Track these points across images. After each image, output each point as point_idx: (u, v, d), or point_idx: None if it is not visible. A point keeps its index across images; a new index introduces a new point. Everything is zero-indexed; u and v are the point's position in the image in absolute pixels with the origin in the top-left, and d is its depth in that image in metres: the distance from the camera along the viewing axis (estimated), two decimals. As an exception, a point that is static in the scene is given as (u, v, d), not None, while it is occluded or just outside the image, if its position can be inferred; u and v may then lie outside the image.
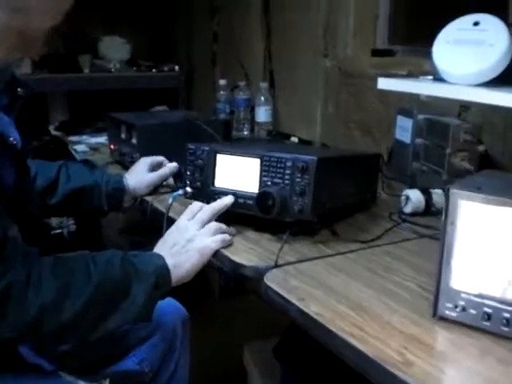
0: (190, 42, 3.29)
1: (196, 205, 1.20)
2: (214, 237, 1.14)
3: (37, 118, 2.84)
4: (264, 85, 2.49)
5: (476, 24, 1.14)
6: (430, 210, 1.36)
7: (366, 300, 0.92)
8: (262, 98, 2.47)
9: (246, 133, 2.55)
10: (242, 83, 2.58)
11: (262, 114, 2.47)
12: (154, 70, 3.17)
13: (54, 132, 2.68)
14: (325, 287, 0.96)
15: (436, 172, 1.49)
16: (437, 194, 1.37)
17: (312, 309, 0.88)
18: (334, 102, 2.21)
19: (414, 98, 1.71)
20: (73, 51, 3.11)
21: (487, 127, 1.54)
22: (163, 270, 1.06)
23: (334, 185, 1.21)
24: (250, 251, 1.14)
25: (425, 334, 0.82)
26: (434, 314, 0.85)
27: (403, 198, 1.37)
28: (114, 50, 3.21)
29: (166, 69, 3.18)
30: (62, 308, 0.95)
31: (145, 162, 1.54)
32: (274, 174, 1.18)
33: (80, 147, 2.25)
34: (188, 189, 1.30)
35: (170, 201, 1.27)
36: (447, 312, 0.84)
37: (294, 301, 0.91)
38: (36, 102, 2.92)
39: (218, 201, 1.21)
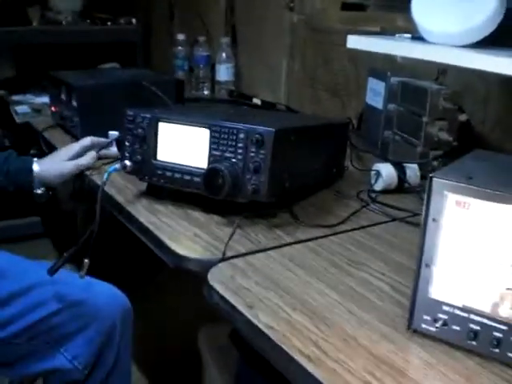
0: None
1: None
2: None
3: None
4: (225, 40, 2.29)
5: (462, -27, 0.97)
6: (402, 186, 1.21)
7: (327, 306, 0.77)
8: (224, 55, 2.28)
9: (205, 92, 2.36)
10: (201, 38, 2.37)
11: (223, 73, 2.28)
12: (109, 23, 2.93)
13: (-5, 91, 2.44)
14: (279, 288, 0.80)
15: (410, 143, 1.33)
16: (411, 169, 1.22)
17: (262, 319, 0.72)
18: (300, 60, 2.03)
19: (387, 57, 1.54)
20: (21, 2, 2.85)
21: (467, 93, 1.39)
22: None
23: (294, 160, 1.05)
24: (194, 239, 0.97)
25: (397, 355, 0.66)
26: (409, 328, 0.70)
27: (373, 173, 1.22)
28: (66, 1, 2.95)
29: (122, 21, 2.94)
30: None
31: (67, 150, 1.34)
32: (224, 148, 1.00)
33: (21, 108, 2.03)
34: (127, 162, 1.12)
35: (105, 177, 1.09)
36: (424, 326, 0.69)
37: (241, 308, 0.74)
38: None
39: None
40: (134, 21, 2.95)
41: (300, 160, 1.07)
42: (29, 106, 2.08)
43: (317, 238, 0.97)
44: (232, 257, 0.90)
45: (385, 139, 1.45)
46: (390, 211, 1.10)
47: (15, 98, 2.23)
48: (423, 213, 0.66)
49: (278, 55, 2.12)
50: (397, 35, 1.12)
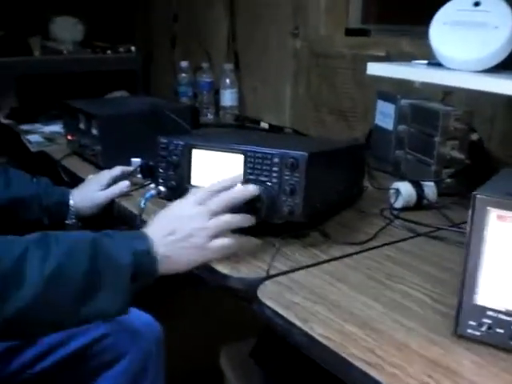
0: (148, 21, 3.11)
1: (211, 188, 0.99)
2: (218, 241, 0.95)
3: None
4: (228, 66, 2.36)
5: (477, 4, 1.05)
6: (421, 203, 1.27)
7: (374, 316, 0.82)
8: (227, 81, 2.35)
9: (210, 117, 2.43)
10: (204, 65, 2.44)
11: (228, 98, 2.35)
12: (109, 52, 3.00)
13: (3, 120, 2.49)
14: (326, 302, 0.86)
15: (423, 162, 1.40)
16: (428, 187, 1.29)
17: (317, 331, 0.78)
18: (304, 85, 2.10)
19: (393, 81, 1.62)
20: (22, 33, 2.91)
21: (474, 113, 1.46)
22: (146, 257, 0.88)
23: (324, 181, 1.11)
24: (234, 258, 1.02)
25: (448, 358, 0.72)
26: (456, 333, 0.76)
27: (393, 191, 1.28)
28: (67, 30, 3.02)
29: (121, 50, 3.02)
30: (6, 300, 0.76)
31: (98, 180, 1.37)
32: (259, 172, 1.06)
33: (34, 137, 2.08)
34: (161, 188, 1.18)
35: (143, 203, 1.14)
36: (470, 331, 0.75)
37: (296, 322, 0.80)
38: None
39: (240, 188, 0.99)
40: (133, 49, 3.03)
41: (328, 181, 1.14)
42: (40, 134, 2.13)
43: (351, 255, 1.03)
44: (275, 275, 0.95)
45: (397, 158, 1.52)
46: (412, 227, 1.16)
47: (24, 127, 2.27)
48: (468, 227, 0.72)
49: (282, 80, 2.20)
50: (413, 62, 1.19)
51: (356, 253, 1.04)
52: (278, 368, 1.58)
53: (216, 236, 0.95)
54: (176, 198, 1.16)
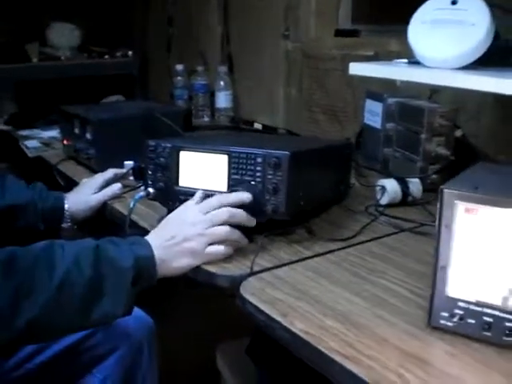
0: (144, 26, 3.15)
1: (217, 201, 1.04)
2: (213, 248, 1.00)
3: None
4: (223, 69, 2.39)
5: (454, 3, 1.07)
6: (406, 200, 1.30)
7: (355, 311, 0.84)
8: (222, 83, 2.38)
9: (206, 119, 2.46)
10: (199, 68, 2.47)
11: (222, 100, 2.38)
12: (106, 57, 3.04)
13: (2, 126, 2.52)
14: (307, 297, 0.88)
15: (410, 159, 1.42)
16: (413, 183, 1.31)
17: (297, 326, 0.80)
18: (296, 86, 2.13)
19: (382, 80, 1.64)
20: (20, 40, 2.95)
21: (460, 109, 1.48)
22: (147, 261, 0.93)
23: (308, 180, 1.13)
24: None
25: (424, 350, 0.74)
26: (429, 324, 0.78)
27: (378, 188, 1.30)
28: (64, 36, 3.05)
29: (118, 54, 3.05)
30: (18, 311, 0.81)
31: (92, 183, 1.40)
32: (243, 171, 1.09)
33: (31, 143, 2.11)
34: (150, 189, 1.20)
35: (132, 204, 1.17)
36: (443, 322, 0.77)
37: (277, 317, 0.82)
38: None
39: (244, 214, 1.04)
40: (130, 53, 3.06)
41: (312, 180, 1.16)
42: (37, 140, 2.16)
43: (334, 251, 1.05)
44: (259, 271, 0.97)
45: (385, 156, 1.54)
46: (397, 223, 1.19)
47: (22, 133, 2.30)
48: (437, 220, 0.74)
49: (275, 81, 2.22)
50: (394, 61, 1.22)
51: (339, 249, 1.06)
52: (275, 364, 1.60)
53: (212, 243, 1.01)
54: (164, 199, 1.20)
